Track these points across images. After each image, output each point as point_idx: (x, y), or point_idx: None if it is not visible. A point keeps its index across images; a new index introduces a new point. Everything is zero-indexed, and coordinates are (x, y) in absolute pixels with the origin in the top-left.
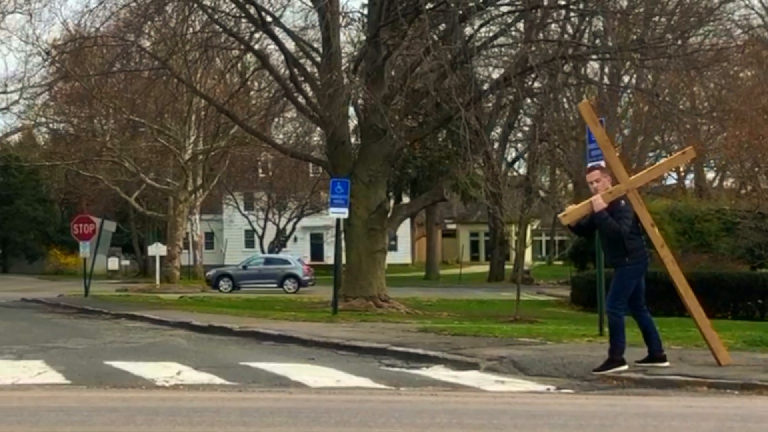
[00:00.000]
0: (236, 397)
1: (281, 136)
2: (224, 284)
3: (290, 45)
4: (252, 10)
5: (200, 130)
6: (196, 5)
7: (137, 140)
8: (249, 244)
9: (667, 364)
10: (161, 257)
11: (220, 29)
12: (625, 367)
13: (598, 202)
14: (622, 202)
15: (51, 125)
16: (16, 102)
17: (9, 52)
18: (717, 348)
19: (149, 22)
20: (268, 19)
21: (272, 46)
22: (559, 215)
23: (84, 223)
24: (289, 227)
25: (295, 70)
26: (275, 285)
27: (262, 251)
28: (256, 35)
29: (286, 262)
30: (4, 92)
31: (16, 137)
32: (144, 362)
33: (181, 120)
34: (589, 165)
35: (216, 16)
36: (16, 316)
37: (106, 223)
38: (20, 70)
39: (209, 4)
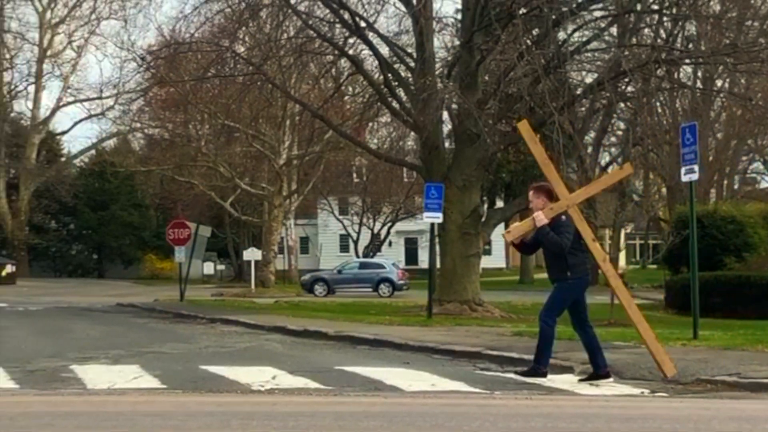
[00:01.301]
0: (331, 402)
1: (375, 140)
2: (319, 288)
3: (384, 50)
4: (346, 16)
5: (295, 135)
6: (290, 11)
7: (232, 145)
8: (344, 248)
9: (611, 380)
10: (256, 262)
11: (315, 35)
12: (546, 378)
13: (540, 217)
14: (563, 217)
15: (146, 130)
16: (112, 107)
17: (104, 58)
18: (662, 360)
19: (244, 28)
20: (362, 24)
21: (366, 52)
22: (503, 232)
23: (179, 228)
24: (383, 232)
25: (389, 75)
26: (370, 289)
27: (357, 256)
28: (351, 40)
29: (380, 266)
30: (100, 98)
31: (111, 143)
32: (239, 367)
33: (275, 125)
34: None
35: (310, 22)
36: (112, 321)
37: (201, 228)
38: (115, 75)
39: (303, 9)
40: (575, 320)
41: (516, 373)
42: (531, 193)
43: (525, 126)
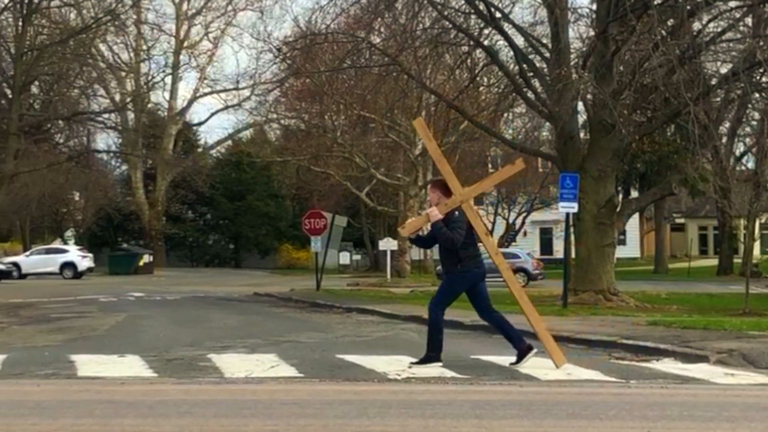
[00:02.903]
0: (468, 390)
1: (510, 131)
2: None
3: (519, 41)
4: (481, 6)
5: (430, 126)
6: (425, 2)
7: (367, 136)
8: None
9: (534, 351)
10: (392, 252)
11: (450, 25)
12: (440, 364)
13: (435, 213)
14: (456, 212)
15: (282, 121)
16: (248, 98)
17: (240, 49)
18: (552, 349)
19: (379, 19)
20: (498, 15)
21: (501, 42)
22: (399, 228)
23: (315, 218)
24: (518, 222)
25: (524, 65)
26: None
27: None
28: (486, 31)
29: (515, 256)
30: (236, 89)
31: (247, 133)
32: (375, 356)
33: (411, 115)
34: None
35: (445, 13)
36: (249, 311)
37: (337, 218)
38: (251, 67)
39: (439, 0)
40: (478, 310)
41: (411, 364)
42: (429, 187)
43: (420, 123)
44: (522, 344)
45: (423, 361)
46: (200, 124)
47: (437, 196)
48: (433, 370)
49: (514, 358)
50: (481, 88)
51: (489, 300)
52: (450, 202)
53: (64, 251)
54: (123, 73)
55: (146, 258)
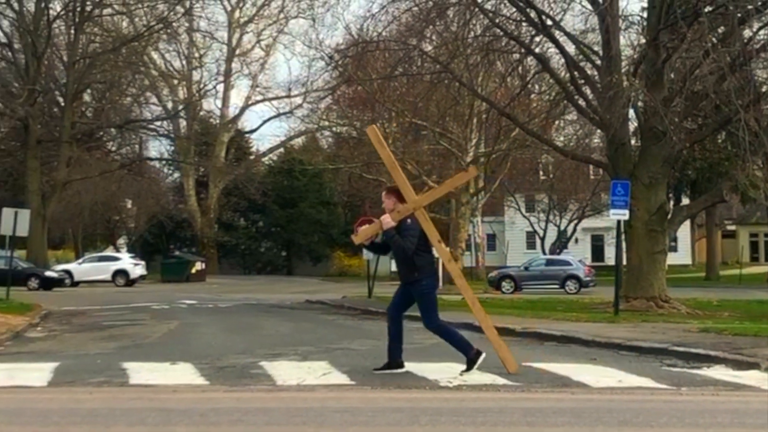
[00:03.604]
0: (519, 398)
1: (562, 138)
2: (506, 285)
3: (570, 48)
4: (533, 14)
5: (481, 133)
6: (477, 9)
7: (419, 143)
8: (530, 245)
9: (404, 369)
10: None
11: (501, 33)
12: (483, 355)
13: (387, 221)
14: (409, 220)
15: (334, 129)
16: (300, 106)
17: (292, 56)
18: (505, 356)
19: (431, 26)
20: (549, 22)
21: (553, 50)
22: (351, 236)
23: (367, 225)
24: (570, 228)
25: (576, 72)
26: (557, 286)
27: (544, 252)
28: (537, 39)
29: (567, 263)
30: (288, 96)
31: (299, 141)
32: (427, 363)
33: (462, 123)
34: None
35: (497, 20)
36: (300, 318)
37: None
38: (303, 74)
39: (490, 8)
40: (396, 310)
41: (462, 372)
42: (383, 194)
43: (373, 131)
44: (398, 359)
45: (469, 366)
46: (252, 131)
47: (391, 203)
48: (487, 377)
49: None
50: (533, 96)
51: (408, 307)
52: (402, 210)
53: (116, 259)
54: (175, 81)
55: (198, 265)
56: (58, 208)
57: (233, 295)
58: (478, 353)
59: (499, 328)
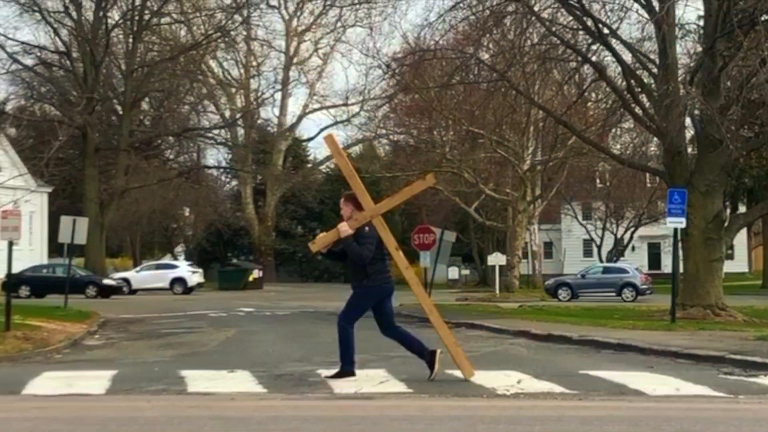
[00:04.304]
0: (576, 406)
1: (618, 146)
2: (563, 293)
3: (627, 56)
4: (589, 23)
5: (538, 141)
6: (534, 18)
7: (476, 151)
8: (587, 253)
9: (439, 351)
10: (501, 266)
11: (558, 41)
12: (355, 378)
13: (344, 228)
14: (366, 228)
15: (391, 137)
16: (357, 114)
17: (350, 65)
18: (461, 363)
19: (488, 35)
20: (605, 31)
21: (609, 58)
22: (309, 243)
23: (424, 233)
24: (626, 236)
25: (632, 81)
26: (613, 294)
27: (600, 260)
28: (593, 47)
29: (624, 271)
30: (345, 104)
31: (357, 149)
32: (484, 371)
33: (519, 131)
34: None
35: (553, 29)
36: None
37: (445, 233)
38: (361, 83)
39: (547, 16)
40: (380, 326)
41: (325, 377)
42: (341, 202)
43: (330, 139)
44: (427, 356)
45: (338, 375)
46: (310, 139)
47: (349, 210)
48: (544, 385)
49: (469, 374)
50: (589, 104)
51: (392, 316)
52: (360, 218)
53: (174, 267)
54: (233, 89)
55: (256, 273)
56: (116, 216)
57: (290, 302)
58: (351, 373)
59: (555, 336)
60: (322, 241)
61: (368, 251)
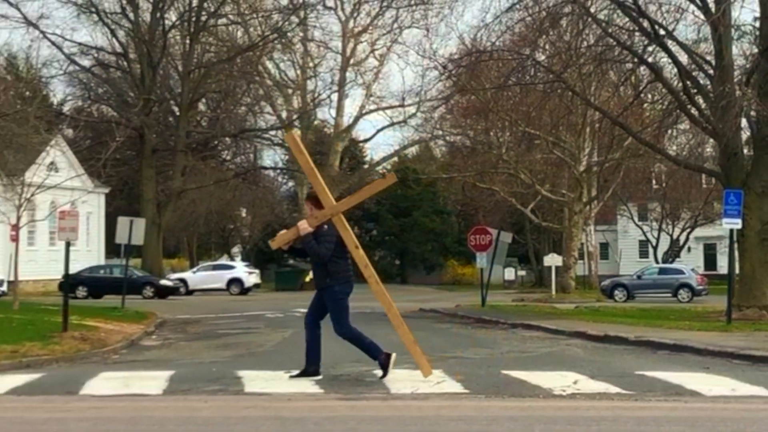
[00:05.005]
0: (632, 406)
1: (674, 147)
2: (619, 294)
3: (683, 57)
4: (645, 24)
5: (594, 142)
6: (590, 19)
7: (532, 152)
8: (643, 254)
9: (320, 377)
10: (557, 267)
11: (614, 43)
12: (388, 369)
13: (304, 226)
14: (326, 226)
15: (447, 138)
16: (414, 115)
17: (406, 66)
18: (420, 362)
19: (544, 36)
20: (661, 32)
21: (665, 59)
22: (269, 240)
23: (481, 234)
24: (682, 237)
25: (688, 82)
26: (669, 294)
27: (656, 261)
28: (649, 48)
29: (680, 271)
30: (402, 106)
31: (413, 150)
32: (541, 371)
33: (575, 132)
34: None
35: (610, 30)
36: (414, 326)
37: (502, 234)
38: (417, 84)
39: (603, 18)
40: (311, 316)
41: (290, 377)
42: (304, 200)
43: (291, 136)
44: (315, 366)
45: (384, 371)
46: (366, 140)
47: (310, 208)
48: (600, 385)
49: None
50: (645, 105)
51: (324, 314)
52: (320, 215)
53: (230, 267)
54: (289, 90)
55: (311, 274)
56: (173, 217)
57: None
58: (388, 356)
59: (611, 337)
60: (281, 238)
61: (326, 249)
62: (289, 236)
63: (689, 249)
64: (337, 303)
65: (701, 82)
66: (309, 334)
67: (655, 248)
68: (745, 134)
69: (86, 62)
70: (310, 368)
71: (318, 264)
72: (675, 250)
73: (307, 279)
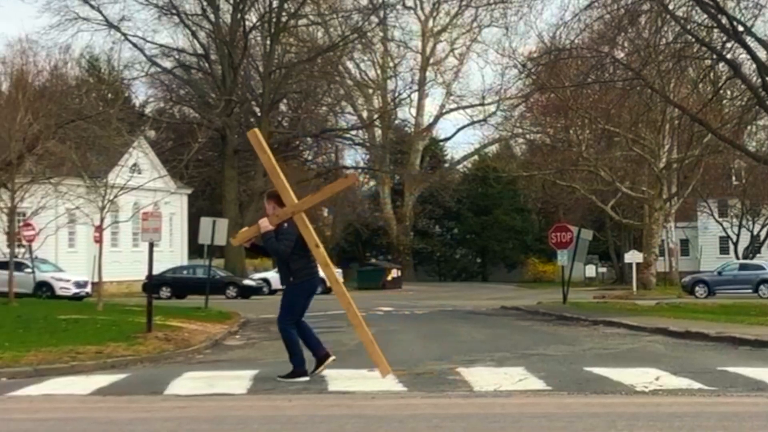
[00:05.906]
0: (714, 402)
1: (754, 143)
2: (699, 290)
3: (762, 54)
4: (723, 20)
5: (674, 139)
6: (668, 16)
7: (612, 149)
8: (723, 250)
9: (332, 358)
10: (637, 264)
11: (693, 39)
12: (307, 378)
13: (264, 224)
14: (286, 224)
15: (527, 136)
16: (494, 114)
17: (486, 65)
18: (377, 361)
19: (623, 34)
20: (740, 28)
21: (744, 56)
22: (230, 237)
23: (561, 232)
24: (763, 233)
25: (767, 78)
26: (750, 290)
27: (737, 257)
28: (728, 45)
29: (760, 267)
30: (482, 104)
31: (493, 148)
32: (622, 368)
33: (655, 129)
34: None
35: (688, 27)
36: (496, 324)
37: (582, 232)
38: (497, 82)
39: (681, 14)
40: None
41: (278, 377)
42: (265, 198)
43: (253, 134)
44: (321, 351)
45: (290, 376)
46: (446, 139)
47: (271, 207)
48: (682, 381)
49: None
50: (725, 101)
51: (304, 312)
52: (281, 214)
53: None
54: (370, 90)
55: (394, 273)
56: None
57: (429, 302)
58: (304, 373)
59: (693, 333)
60: (243, 235)
61: (285, 246)
62: (250, 233)
63: None
64: (291, 298)
65: None
66: (299, 332)
67: (735, 244)
68: None
69: (167, 64)
70: (320, 352)
71: (282, 261)
72: (755, 246)
73: (389, 278)
